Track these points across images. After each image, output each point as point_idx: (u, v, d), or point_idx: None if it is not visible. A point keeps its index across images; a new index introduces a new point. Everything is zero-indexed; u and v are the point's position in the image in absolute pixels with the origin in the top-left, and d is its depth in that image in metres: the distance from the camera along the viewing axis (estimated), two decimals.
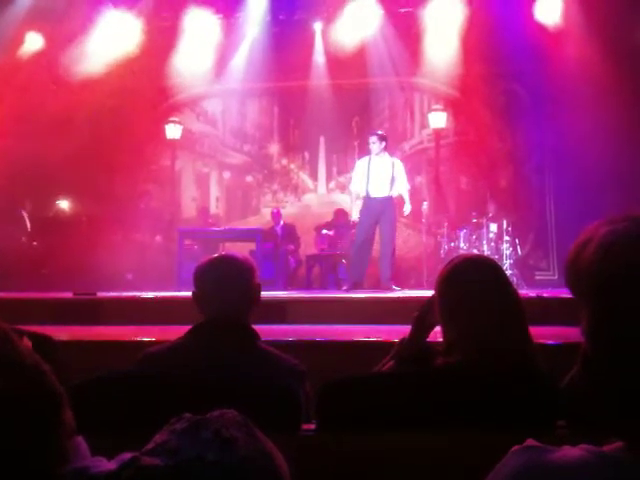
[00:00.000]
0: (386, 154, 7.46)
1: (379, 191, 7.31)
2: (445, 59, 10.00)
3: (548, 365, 1.79)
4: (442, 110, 10.47)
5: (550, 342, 3.45)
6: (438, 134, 10.65)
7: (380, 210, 7.26)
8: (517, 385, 1.63)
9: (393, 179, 7.35)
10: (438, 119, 10.47)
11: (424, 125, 10.99)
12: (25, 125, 9.23)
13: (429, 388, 1.65)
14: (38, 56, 10.24)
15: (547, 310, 4.59)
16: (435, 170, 10.74)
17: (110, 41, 10.12)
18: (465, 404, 1.59)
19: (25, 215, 9.67)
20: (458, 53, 9.90)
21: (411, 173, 11.18)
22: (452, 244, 8.80)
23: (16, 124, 9.20)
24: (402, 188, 7.45)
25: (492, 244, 8.65)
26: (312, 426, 1.64)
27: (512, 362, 1.68)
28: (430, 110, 10.69)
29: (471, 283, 1.78)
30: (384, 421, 1.57)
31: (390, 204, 7.34)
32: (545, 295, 5.35)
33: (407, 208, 7.44)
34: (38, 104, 9.32)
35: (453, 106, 10.60)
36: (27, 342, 0.98)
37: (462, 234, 8.77)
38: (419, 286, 8.80)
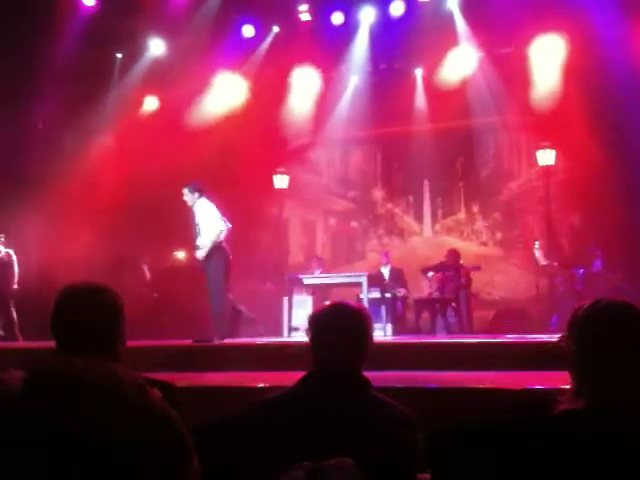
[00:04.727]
0: (203, 202, 6.91)
1: (198, 242, 6.92)
2: (549, 95, 9.80)
3: None
4: (550, 147, 10.20)
5: None
6: (547, 171, 10.37)
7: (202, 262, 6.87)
8: None
9: (201, 226, 6.88)
10: (546, 156, 10.21)
11: (531, 163, 10.75)
12: (142, 180, 9.79)
13: (550, 436, 1.58)
14: (155, 116, 10.98)
15: None
16: (546, 208, 10.43)
17: (221, 99, 10.73)
18: (591, 454, 1.50)
19: (145, 267, 10.22)
20: (562, 88, 9.70)
21: (521, 212, 10.94)
22: (568, 285, 8.46)
23: (134, 180, 9.79)
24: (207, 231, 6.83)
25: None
26: (427, 475, 1.64)
27: None
28: (537, 148, 10.45)
29: (605, 327, 1.71)
30: (498, 470, 1.54)
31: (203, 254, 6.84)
32: None
33: (200, 252, 6.80)
34: (155, 159, 9.89)
35: (560, 142, 10.32)
36: (157, 392, 1.06)
37: (578, 274, 8.43)
38: (532, 330, 8.48)
